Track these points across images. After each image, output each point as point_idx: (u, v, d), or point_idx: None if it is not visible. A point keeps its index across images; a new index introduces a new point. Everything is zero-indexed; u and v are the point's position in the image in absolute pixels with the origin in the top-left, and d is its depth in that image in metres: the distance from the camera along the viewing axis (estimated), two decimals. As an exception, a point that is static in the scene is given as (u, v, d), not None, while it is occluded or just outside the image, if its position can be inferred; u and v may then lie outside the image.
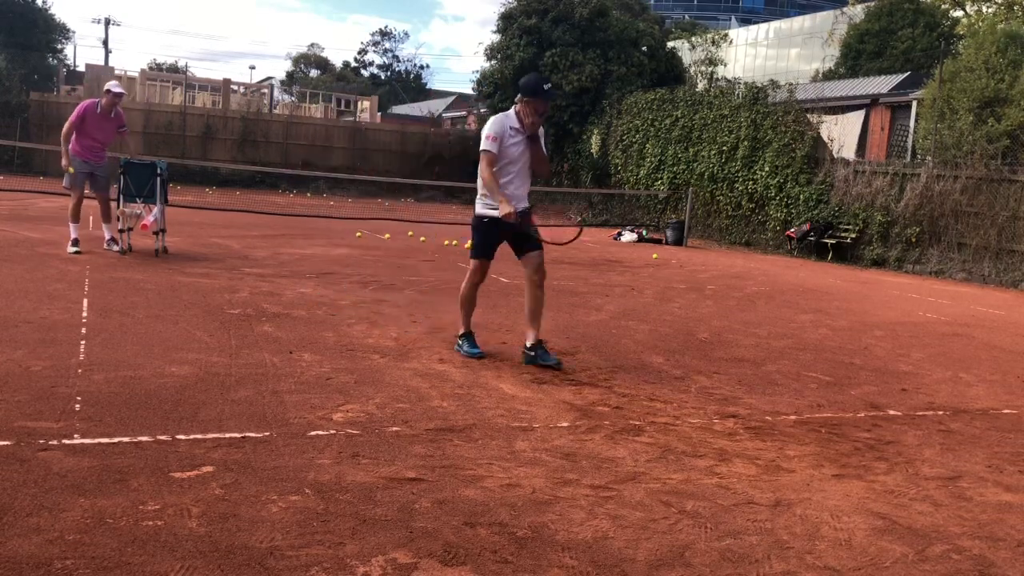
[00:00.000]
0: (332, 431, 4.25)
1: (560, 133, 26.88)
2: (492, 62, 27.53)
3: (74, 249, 9.81)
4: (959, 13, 29.28)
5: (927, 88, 18.42)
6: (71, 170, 9.96)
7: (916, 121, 20.29)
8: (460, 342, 6.23)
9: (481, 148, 5.98)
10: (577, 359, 6.33)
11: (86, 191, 10.22)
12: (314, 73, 67.02)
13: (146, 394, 4.62)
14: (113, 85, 10.39)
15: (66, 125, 9.99)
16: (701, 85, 26.35)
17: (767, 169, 19.53)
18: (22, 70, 31.97)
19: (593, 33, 25.80)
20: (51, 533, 2.94)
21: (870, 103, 24.50)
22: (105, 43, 52.64)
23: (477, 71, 30.55)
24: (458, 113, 46.34)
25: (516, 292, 9.55)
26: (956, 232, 16.03)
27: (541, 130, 6.08)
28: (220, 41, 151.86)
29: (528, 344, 6.01)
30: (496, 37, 27.44)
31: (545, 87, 5.91)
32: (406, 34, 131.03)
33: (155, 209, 10.16)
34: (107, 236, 10.34)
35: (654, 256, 15.63)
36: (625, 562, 3.06)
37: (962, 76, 16.40)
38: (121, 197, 10.13)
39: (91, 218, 11.99)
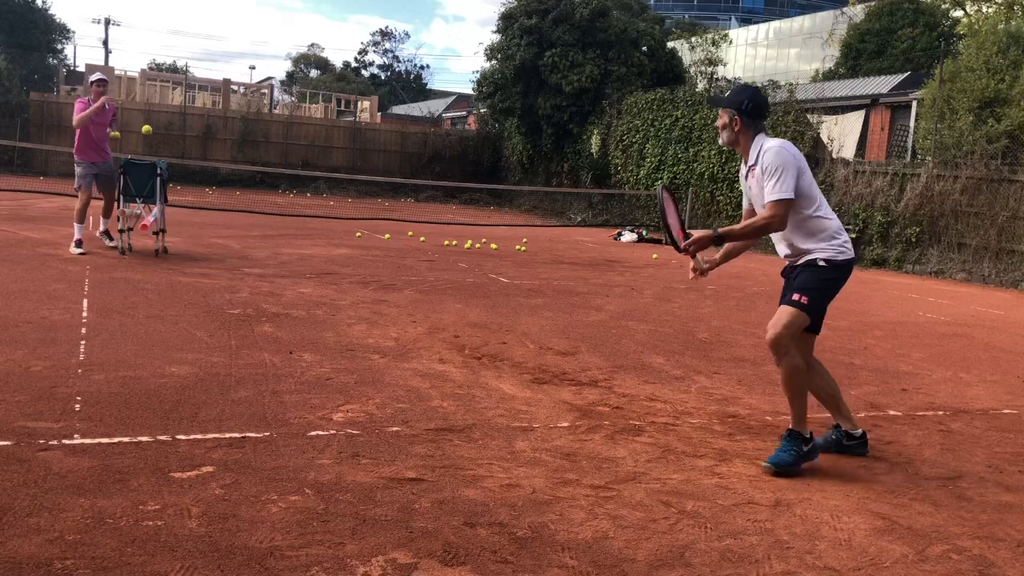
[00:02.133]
0: (332, 431, 4.25)
1: (560, 133, 26.86)
2: (492, 62, 27.51)
3: (79, 250, 9.84)
4: (959, 13, 29.26)
5: (927, 88, 18.40)
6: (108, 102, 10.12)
7: (916, 121, 20.27)
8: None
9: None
10: (577, 359, 6.33)
11: (94, 192, 10.39)
12: (314, 73, 66.99)
13: (146, 394, 4.62)
14: (95, 75, 10.45)
15: (76, 118, 10.03)
16: (701, 85, 26.33)
17: (767, 169, 19.51)
18: (22, 70, 31.96)
19: (593, 33, 25.79)
20: (51, 533, 2.94)
21: (870, 103, 24.48)
22: (105, 43, 52.65)
23: (477, 71, 30.55)
24: (458, 113, 46.33)
25: (516, 292, 9.55)
26: (956, 232, 16.03)
27: (760, 166, 4.31)
28: (220, 41, 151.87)
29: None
30: (496, 37, 27.42)
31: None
32: (407, 34, 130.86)
33: (155, 209, 10.17)
34: (101, 228, 10.53)
35: (654, 256, 15.63)
36: (625, 562, 3.06)
37: (962, 76, 16.39)
38: (121, 197, 10.14)
39: (91, 219, 11.99)
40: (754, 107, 4.36)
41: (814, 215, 4.32)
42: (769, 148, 4.28)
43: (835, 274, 4.34)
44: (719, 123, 4.48)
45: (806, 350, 4.47)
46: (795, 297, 4.29)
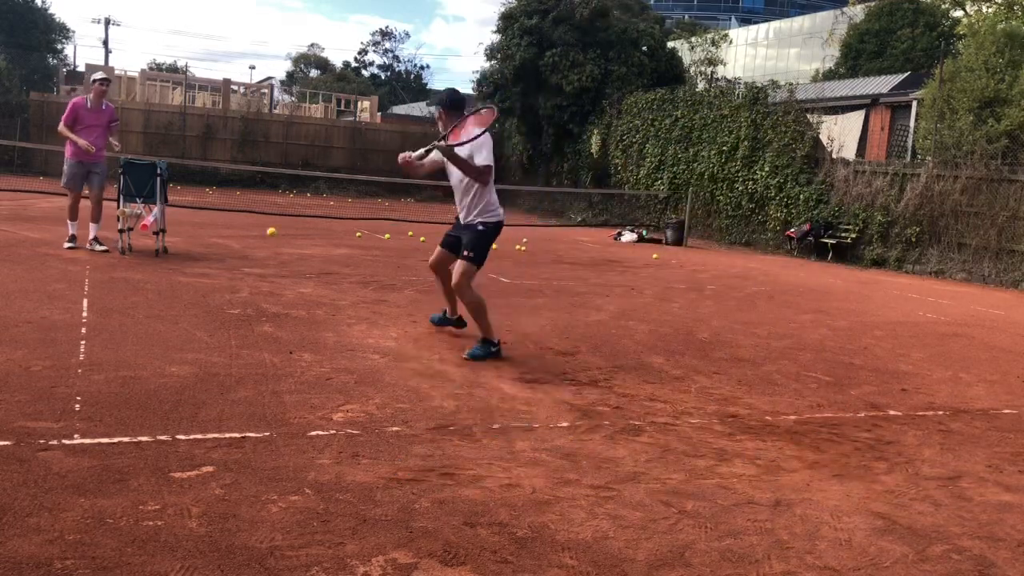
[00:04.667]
0: (332, 431, 4.25)
1: (560, 133, 26.87)
2: (492, 62, 27.52)
3: (69, 244, 10.06)
4: (959, 13, 29.27)
5: (927, 88, 18.41)
6: (90, 148, 9.99)
7: (916, 121, 20.28)
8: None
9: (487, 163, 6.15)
10: (577, 359, 6.33)
11: (84, 191, 10.29)
12: (314, 73, 66.99)
13: (146, 394, 4.62)
14: (98, 74, 10.42)
15: (61, 124, 10.06)
16: (701, 85, 26.34)
17: (767, 169, 19.52)
18: (22, 70, 31.96)
19: (594, 33, 25.79)
20: (51, 533, 2.94)
21: (870, 103, 24.48)
22: (105, 43, 52.66)
23: (477, 71, 30.57)
24: (458, 113, 46.25)
25: (515, 292, 9.56)
26: (956, 232, 16.03)
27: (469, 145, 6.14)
28: (220, 41, 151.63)
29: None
30: (496, 37, 27.42)
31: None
32: (407, 34, 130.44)
33: (155, 209, 10.15)
34: (91, 235, 10.25)
35: (654, 256, 15.63)
36: (625, 562, 3.06)
37: (962, 76, 16.40)
38: (121, 197, 10.13)
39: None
40: (451, 103, 6.41)
41: (488, 191, 6.22)
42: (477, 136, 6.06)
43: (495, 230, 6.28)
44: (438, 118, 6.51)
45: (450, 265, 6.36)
46: (465, 253, 6.15)
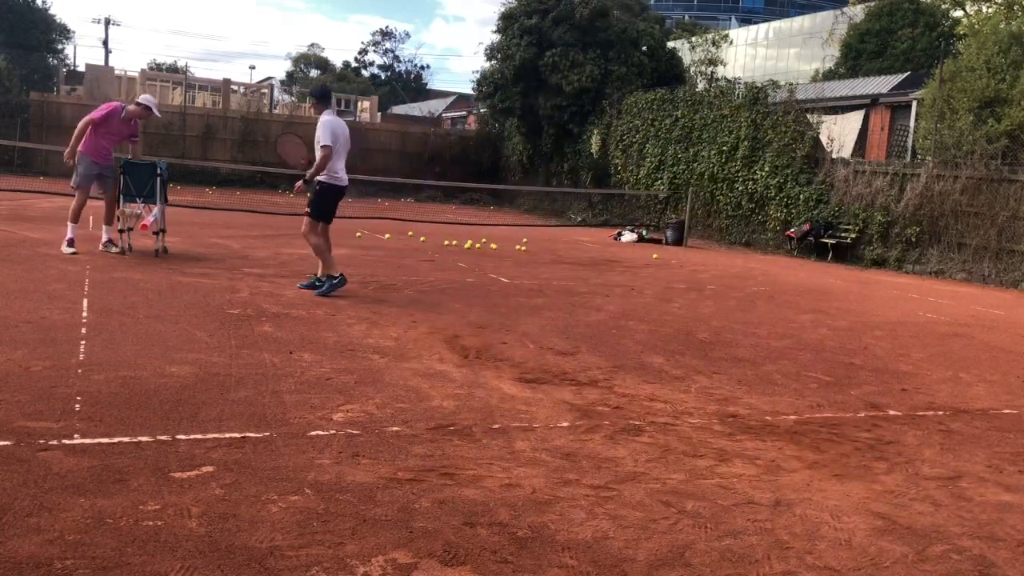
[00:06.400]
0: (332, 431, 4.25)
1: (560, 133, 26.85)
2: (492, 62, 27.51)
3: (71, 250, 9.67)
4: (959, 13, 29.25)
5: (927, 88, 18.40)
6: (71, 163, 9.87)
7: (916, 121, 20.27)
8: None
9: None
10: (577, 359, 6.33)
11: (91, 192, 10.07)
12: (314, 73, 66.97)
13: (146, 394, 4.62)
14: (149, 100, 10.23)
15: (84, 121, 9.79)
16: (701, 85, 26.33)
17: (767, 169, 19.52)
18: (22, 70, 31.95)
19: (593, 33, 25.78)
20: (51, 533, 2.94)
21: (870, 103, 24.47)
22: (105, 43, 52.69)
23: (477, 71, 30.53)
24: (458, 113, 46.34)
25: (516, 292, 9.55)
26: (956, 232, 16.02)
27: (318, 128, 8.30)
28: (220, 41, 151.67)
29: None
30: (496, 37, 27.41)
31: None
32: (407, 34, 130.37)
33: (155, 209, 10.14)
34: (105, 238, 10.17)
35: (654, 256, 15.63)
36: (625, 562, 3.06)
37: (962, 76, 16.38)
38: (121, 197, 10.10)
39: (91, 218, 11.99)
40: (318, 96, 8.81)
41: (333, 160, 8.23)
42: (321, 120, 8.32)
43: (327, 192, 8.44)
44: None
45: (325, 233, 8.49)
46: (305, 211, 8.58)
